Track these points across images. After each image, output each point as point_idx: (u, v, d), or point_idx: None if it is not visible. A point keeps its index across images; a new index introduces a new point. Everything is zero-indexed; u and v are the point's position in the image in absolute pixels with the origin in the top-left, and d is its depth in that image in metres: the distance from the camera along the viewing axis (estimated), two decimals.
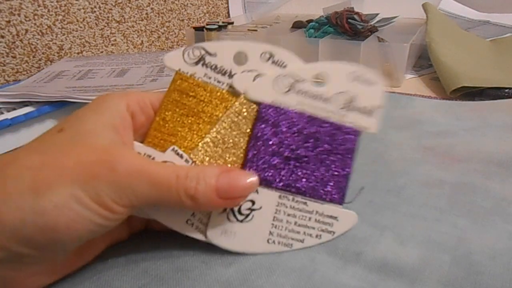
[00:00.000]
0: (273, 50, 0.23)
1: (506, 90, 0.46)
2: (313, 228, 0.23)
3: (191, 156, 0.22)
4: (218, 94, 0.23)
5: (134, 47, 0.70)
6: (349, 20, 0.56)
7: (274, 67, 0.23)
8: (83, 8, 0.60)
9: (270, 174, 0.23)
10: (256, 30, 0.66)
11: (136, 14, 0.69)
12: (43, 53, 0.56)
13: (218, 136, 0.22)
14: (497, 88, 0.47)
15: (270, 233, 0.23)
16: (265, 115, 0.23)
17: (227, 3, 0.91)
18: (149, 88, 0.43)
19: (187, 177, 0.19)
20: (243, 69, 0.23)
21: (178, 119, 0.22)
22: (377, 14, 0.63)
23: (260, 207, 0.23)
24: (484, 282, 0.20)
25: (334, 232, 0.24)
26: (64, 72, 0.50)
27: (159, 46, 0.74)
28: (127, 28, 0.68)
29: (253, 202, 0.23)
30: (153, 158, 0.22)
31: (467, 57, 0.56)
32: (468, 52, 0.58)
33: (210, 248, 0.22)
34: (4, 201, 0.17)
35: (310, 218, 0.23)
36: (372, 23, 0.59)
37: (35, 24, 0.54)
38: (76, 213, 0.17)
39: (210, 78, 0.23)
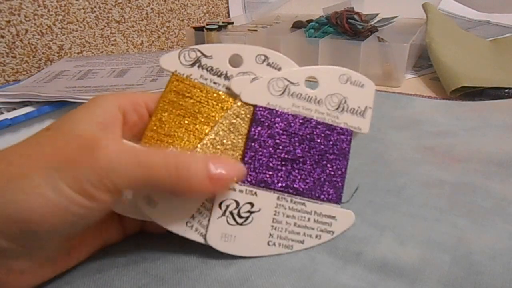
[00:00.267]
0: (268, 53, 0.23)
1: (506, 90, 0.46)
2: (313, 228, 0.23)
3: None
4: (215, 95, 0.23)
5: (134, 47, 0.70)
6: (349, 20, 0.56)
7: (269, 69, 0.23)
8: (83, 8, 0.60)
9: (267, 175, 0.23)
10: (256, 30, 0.66)
11: (136, 14, 0.69)
12: (43, 53, 0.56)
13: (217, 138, 0.23)
14: (497, 88, 0.47)
15: (270, 235, 0.23)
16: (260, 118, 0.23)
17: (227, 3, 0.91)
18: (149, 88, 0.43)
19: (178, 158, 0.19)
20: (239, 71, 0.23)
21: (175, 120, 0.23)
22: (377, 14, 0.63)
23: (259, 209, 0.23)
24: (484, 282, 0.20)
25: (333, 232, 0.24)
26: (64, 72, 0.50)
27: (159, 46, 0.74)
28: (127, 28, 0.68)
29: (252, 205, 0.23)
30: None
31: (467, 57, 0.56)
32: (468, 52, 0.58)
33: (210, 248, 0.22)
34: None
35: (309, 219, 0.23)
36: (372, 23, 0.59)
37: (35, 24, 0.54)
38: (51, 201, 0.17)
39: (206, 79, 0.23)
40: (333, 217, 0.24)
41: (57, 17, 0.57)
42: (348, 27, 0.56)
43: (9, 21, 0.51)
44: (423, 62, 0.62)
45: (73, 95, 0.39)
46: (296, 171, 0.23)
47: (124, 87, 0.44)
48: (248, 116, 0.23)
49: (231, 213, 0.22)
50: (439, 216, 0.26)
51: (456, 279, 0.21)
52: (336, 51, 0.54)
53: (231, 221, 0.22)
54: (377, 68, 0.54)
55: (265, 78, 0.23)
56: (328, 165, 0.24)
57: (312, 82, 0.24)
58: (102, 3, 0.63)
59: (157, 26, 0.74)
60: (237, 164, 0.21)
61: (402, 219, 0.26)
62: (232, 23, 0.72)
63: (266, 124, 0.23)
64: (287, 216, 0.23)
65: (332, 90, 0.24)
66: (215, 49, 0.23)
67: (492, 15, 0.77)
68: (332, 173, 0.24)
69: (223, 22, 0.70)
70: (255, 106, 0.23)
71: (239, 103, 0.23)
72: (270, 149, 0.23)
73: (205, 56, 0.23)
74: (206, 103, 0.23)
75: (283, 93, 0.23)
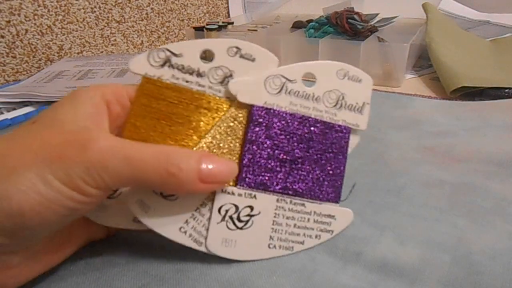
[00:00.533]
0: (239, 44, 0.22)
1: (506, 90, 0.46)
2: (312, 229, 0.23)
3: None
4: (188, 94, 0.22)
5: (134, 47, 0.70)
6: (349, 20, 0.56)
7: (243, 61, 0.22)
8: (83, 8, 0.60)
9: (266, 177, 0.22)
10: (256, 30, 0.67)
11: (136, 14, 0.69)
12: (43, 53, 0.56)
13: (214, 142, 0.22)
14: (497, 88, 0.47)
15: (271, 237, 0.23)
16: (257, 118, 0.22)
17: (227, 3, 0.91)
18: None
19: (168, 155, 0.19)
20: (211, 66, 0.22)
21: (149, 123, 0.22)
22: (377, 14, 0.63)
23: (259, 212, 0.22)
24: (484, 282, 0.20)
25: (332, 231, 0.24)
26: (64, 72, 0.50)
27: (159, 46, 0.74)
28: (127, 28, 0.68)
29: (251, 208, 0.22)
30: None
31: (467, 57, 0.56)
32: (468, 52, 0.58)
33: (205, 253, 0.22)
34: None
35: (308, 219, 0.23)
36: (372, 23, 0.59)
37: (35, 24, 0.54)
38: (44, 196, 0.17)
39: (178, 78, 0.22)
40: (333, 217, 0.24)
41: (57, 17, 0.57)
42: (348, 27, 0.56)
43: (9, 21, 0.51)
44: (423, 62, 0.62)
45: None
46: (295, 172, 0.23)
47: None
48: (246, 119, 0.23)
49: (230, 217, 0.22)
50: (439, 216, 0.26)
51: (456, 279, 0.21)
52: (336, 51, 0.54)
53: (231, 225, 0.22)
54: (377, 68, 0.54)
55: (261, 75, 0.22)
56: (327, 164, 0.23)
57: (309, 80, 0.23)
58: (102, 3, 0.63)
59: (157, 26, 0.74)
60: (229, 163, 0.21)
61: (402, 219, 0.26)
62: (232, 23, 0.72)
63: (264, 124, 0.22)
64: (287, 218, 0.23)
65: (329, 86, 0.23)
66: (184, 47, 0.22)
67: (492, 15, 0.77)
68: (331, 172, 0.24)
69: (223, 22, 0.70)
70: (251, 106, 0.22)
71: (236, 106, 0.22)
72: (269, 150, 0.22)
73: (175, 55, 0.22)
74: (179, 103, 0.22)
75: (280, 91, 0.22)
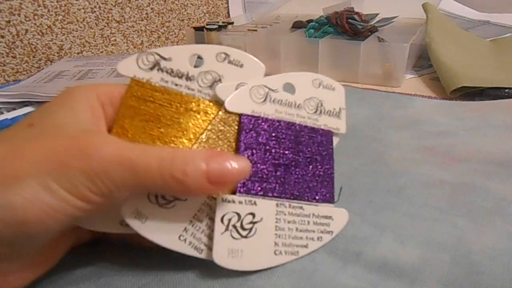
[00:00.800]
0: (228, 50, 0.23)
1: (506, 90, 0.46)
2: (313, 231, 0.23)
3: None
4: (177, 96, 0.22)
5: (134, 47, 0.70)
6: (349, 20, 0.56)
7: (231, 66, 0.23)
8: (83, 8, 0.60)
9: (264, 183, 0.22)
10: (256, 30, 0.67)
11: (136, 14, 0.69)
12: (43, 53, 0.56)
13: (206, 146, 0.22)
14: (497, 88, 0.47)
15: (276, 243, 0.22)
16: (247, 125, 0.23)
17: (227, 3, 0.91)
18: None
19: (173, 160, 0.18)
20: (200, 71, 0.23)
21: (138, 125, 0.21)
22: (377, 14, 0.63)
23: (261, 219, 0.22)
24: (484, 282, 0.20)
25: (332, 232, 0.24)
26: (64, 72, 0.50)
27: (159, 46, 0.74)
28: (127, 28, 0.68)
29: (253, 215, 0.22)
30: None
31: (467, 57, 0.56)
32: (468, 52, 0.58)
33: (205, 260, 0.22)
34: None
35: (308, 222, 0.23)
36: (372, 23, 0.59)
37: (35, 24, 0.54)
38: (48, 205, 0.16)
39: (167, 82, 0.22)
40: (330, 217, 0.24)
41: (57, 17, 0.57)
42: (348, 27, 0.56)
43: (9, 21, 0.51)
44: (423, 62, 0.62)
45: None
46: (290, 175, 0.23)
47: None
48: (235, 123, 0.23)
49: (234, 226, 0.21)
50: (439, 216, 0.26)
51: (456, 279, 0.21)
52: (336, 51, 0.54)
53: (236, 234, 0.21)
54: (377, 68, 0.54)
55: (247, 86, 0.23)
56: (318, 166, 0.24)
57: (290, 88, 0.24)
58: (102, 3, 0.63)
59: (157, 26, 0.74)
60: (241, 159, 0.19)
61: (402, 219, 0.26)
62: (232, 23, 0.72)
63: (254, 131, 0.23)
64: (288, 222, 0.23)
65: (308, 94, 0.25)
66: (173, 51, 0.22)
67: (492, 15, 0.77)
68: (322, 173, 0.24)
69: (223, 22, 0.70)
70: (240, 115, 0.23)
71: (225, 110, 0.22)
72: (262, 155, 0.23)
73: (164, 58, 0.22)
74: (169, 105, 0.22)
75: (265, 100, 0.23)
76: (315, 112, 0.25)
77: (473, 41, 0.64)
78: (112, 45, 0.66)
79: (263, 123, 0.23)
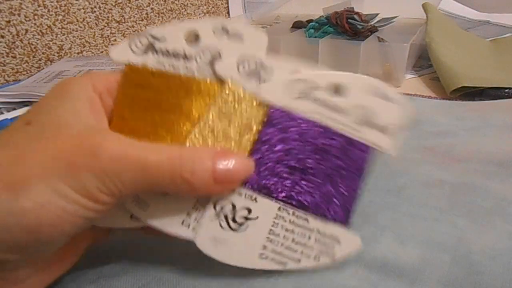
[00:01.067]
0: (225, 23, 0.21)
1: (506, 90, 0.46)
2: (312, 248, 0.21)
3: None
4: (176, 79, 0.21)
5: None
6: (349, 20, 0.56)
7: (230, 41, 0.21)
8: (83, 8, 0.60)
9: (272, 182, 0.21)
10: None
11: (136, 14, 0.69)
12: (43, 53, 0.56)
13: (206, 128, 0.20)
14: (497, 88, 0.47)
15: (264, 247, 0.21)
16: (274, 119, 0.21)
17: (227, 3, 0.91)
18: None
19: (181, 159, 0.17)
20: (198, 48, 0.21)
21: (137, 114, 0.20)
22: (377, 14, 0.63)
23: (257, 217, 0.21)
24: (484, 282, 0.20)
25: (334, 256, 0.21)
26: (64, 72, 0.50)
27: None
28: (127, 28, 0.68)
29: (249, 211, 0.21)
30: None
31: (467, 57, 0.56)
32: (468, 52, 0.58)
33: None
34: None
35: (310, 237, 0.21)
36: (372, 23, 0.59)
37: (35, 24, 0.54)
38: (61, 208, 0.16)
39: (163, 64, 0.21)
40: (337, 240, 0.21)
41: (57, 17, 0.57)
42: (348, 27, 0.56)
43: (9, 21, 0.51)
44: (423, 62, 0.62)
45: None
46: (304, 182, 0.21)
47: None
48: (238, 103, 0.21)
49: (225, 216, 0.20)
50: (439, 216, 0.26)
51: (456, 279, 0.21)
52: (336, 51, 0.54)
53: (224, 224, 0.20)
54: (377, 68, 0.54)
55: (286, 78, 0.21)
56: (341, 182, 0.21)
57: (338, 89, 0.22)
58: (102, 3, 0.63)
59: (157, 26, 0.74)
60: (244, 159, 0.19)
61: (402, 219, 0.26)
62: None
63: (280, 127, 0.21)
64: (286, 230, 0.21)
65: (359, 101, 0.21)
66: (167, 30, 0.21)
67: (492, 15, 0.77)
68: (344, 191, 0.21)
69: None
70: (270, 106, 0.21)
71: (227, 89, 0.21)
72: (280, 154, 0.21)
73: (158, 39, 0.21)
74: (168, 89, 0.21)
75: (304, 96, 0.21)
76: (361, 122, 0.21)
77: (473, 41, 0.63)
78: (112, 45, 0.66)
79: (292, 120, 0.21)
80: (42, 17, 0.55)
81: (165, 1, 0.74)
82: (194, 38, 0.21)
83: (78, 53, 0.61)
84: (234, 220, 0.21)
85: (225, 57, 0.21)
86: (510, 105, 0.43)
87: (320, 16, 0.61)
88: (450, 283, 0.21)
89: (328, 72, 0.22)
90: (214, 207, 0.20)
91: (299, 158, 0.21)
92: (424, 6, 0.64)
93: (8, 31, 0.52)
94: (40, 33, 0.55)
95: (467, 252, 0.22)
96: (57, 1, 0.56)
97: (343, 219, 0.21)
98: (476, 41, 0.64)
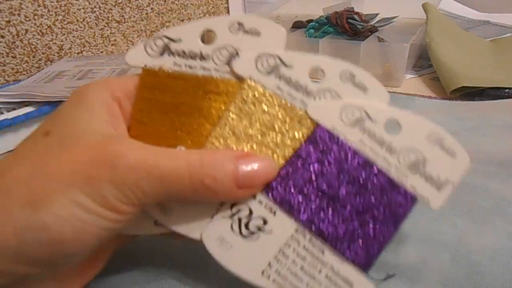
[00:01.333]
0: (241, 19, 0.21)
1: (506, 90, 0.46)
2: (320, 283, 0.19)
3: None
4: (194, 80, 0.20)
5: None
6: (349, 20, 0.56)
7: (248, 36, 0.21)
8: (83, 8, 0.60)
9: (296, 200, 0.19)
10: None
11: (136, 14, 0.69)
12: (43, 53, 0.56)
13: (227, 129, 0.20)
14: (497, 88, 0.47)
15: (269, 265, 0.19)
16: (317, 138, 0.20)
17: (227, 3, 0.91)
18: None
19: (202, 165, 0.17)
20: (214, 47, 0.21)
21: (156, 118, 0.20)
22: (377, 14, 0.63)
23: (271, 231, 0.19)
24: (484, 282, 0.20)
25: None
26: (64, 72, 0.50)
27: None
28: (127, 28, 0.68)
29: (265, 222, 0.19)
30: None
31: (467, 57, 0.56)
32: (468, 52, 0.58)
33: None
34: None
35: (321, 271, 0.19)
36: (372, 23, 0.59)
37: (35, 24, 0.54)
38: (83, 221, 0.16)
39: (180, 65, 0.21)
40: (350, 284, 0.19)
41: (57, 17, 0.57)
42: (348, 27, 0.56)
43: (9, 21, 0.51)
44: (423, 62, 0.62)
45: None
46: (330, 211, 0.19)
47: None
48: (259, 100, 0.20)
49: (239, 219, 0.19)
50: (439, 216, 0.26)
51: (456, 279, 0.21)
52: (336, 51, 0.54)
53: (236, 227, 0.19)
54: (377, 68, 0.54)
55: (341, 102, 0.20)
56: (371, 224, 0.19)
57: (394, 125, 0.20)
58: (102, 3, 0.63)
59: (157, 26, 0.74)
60: (266, 160, 0.19)
61: None
62: None
63: (321, 147, 0.20)
64: (297, 255, 0.19)
65: (414, 144, 0.19)
66: (182, 31, 0.21)
67: (492, 15, 0.77)
68: (372, 234, 0.19)
69: None
70: (317, 124, 0.20)
71: (247, 87, 0.20)
72: (313, 174, 0.20)
73: (173, 41, 0.20)
74: (185, 91, 0.20)
75: (355, 124, 0.20)
76: (410, 167, 0.19)
77: (473, 41, 0.64)
78: (112, 45, 0.66)
79: (335, 145, 0.20)
80: (42, 17, 0.55)
81: (165, 1, 0.74)
82: (210, 36, 0.21)
83: (78, 53, 0.61)
84: (247, 226, 0.20)
85: (243, 54, 0.21)
86: (510, 105, 0.43)
87: (320, 16, 0.61)
88: (450, 283, 0.21)
89: (388, 108, 0.20)
90: (231, 208, 0.20)
91: (332, 185, 0.20)
92: (424, 6, 0.64)
93: (8, 31, 0.52)
94: (40, 33, 0.55)
95: (467, 252, 0.22)
96: (57, 1, 0.56)
97: (363, 263, 0.19)
98: (476, 41, 0.64)
